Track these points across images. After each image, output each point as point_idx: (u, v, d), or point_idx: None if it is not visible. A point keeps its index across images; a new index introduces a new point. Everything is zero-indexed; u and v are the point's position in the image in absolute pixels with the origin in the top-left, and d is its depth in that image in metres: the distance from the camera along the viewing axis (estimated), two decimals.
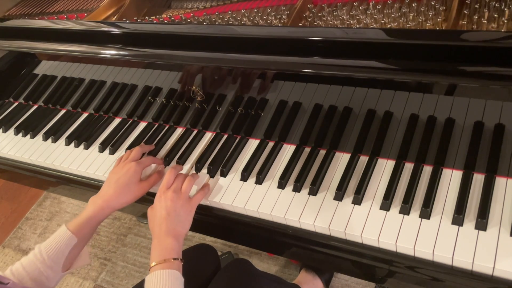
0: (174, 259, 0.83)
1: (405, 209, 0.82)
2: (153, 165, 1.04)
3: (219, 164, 1.02)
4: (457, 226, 0.77)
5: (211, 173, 1.00)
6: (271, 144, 1.03)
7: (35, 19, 1.33)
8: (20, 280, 0.85)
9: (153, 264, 0.83)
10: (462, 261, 0.73)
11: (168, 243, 0.85)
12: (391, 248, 0.79)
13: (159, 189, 0.94)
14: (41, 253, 0.87)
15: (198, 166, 1.02)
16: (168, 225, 0.87)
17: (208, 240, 1.72)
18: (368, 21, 0.94)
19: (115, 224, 1.93)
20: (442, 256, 0.75)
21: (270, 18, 1.04)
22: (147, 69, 1.12)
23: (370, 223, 0.82)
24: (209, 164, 1.02)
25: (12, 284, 0.78)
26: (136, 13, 1.25)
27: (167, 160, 1.06)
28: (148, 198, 1.04)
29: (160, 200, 0.91)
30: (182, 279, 0.82)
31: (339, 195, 0.87)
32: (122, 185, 0.95)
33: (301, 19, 1.01)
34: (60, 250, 0.88)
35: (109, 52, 1.08)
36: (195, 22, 1.12)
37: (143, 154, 1.06)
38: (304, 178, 0.92)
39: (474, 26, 0.85)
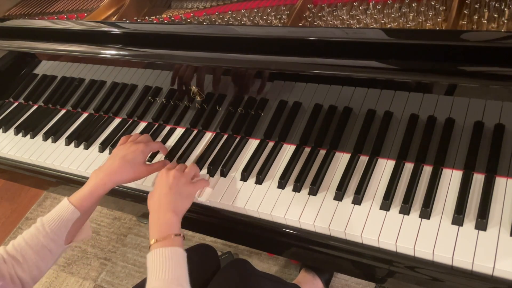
0: (176, 235, 0.81)
1: (405, 209, 0.82)
2: None
3: (219, 164, 1.02)
4: (457, 226, 0.77)
5: (211, 173, 1.00)
6: (271, 144, 1.03)
7: (35, 19, 1.33)
8: (23, 255, 0.84)
9: (152, 241, 0.80)
10: (462, 261, 0.73)
11: (168, 217, 0.83)
12: (391, 248, 0.79)
13: (161, 171, 0.93)
14: (44, 227, 0.87)
15: (198, 166, 1.02)
16: (169, 199, 0.85)
17: (208, 240, 1.72)
18: (368, 21, 0.94)
19: (115, 224, 1.93)
20: (442, 256, 0.75)
21: (270, 18, 1.04)
22: (147, 69, 1.11)
23: (370, 223, 0.82)
24: (209, 164, 1.02)
25: (4, 285, 0.78)
26: (136, 13, 1.25)
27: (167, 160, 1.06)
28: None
29: (162, 178, 0.90)
30: (185, 255, 0.80)
31: (339, 195, 0.87)
32: (128, 162, 0.95)
33: (301, 19, 1.01)
34: (63, 223, 0.87)
35: (109, 52, 1.08)
36: (195, 22, 1.12)
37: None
38: (304, 178, 0.92)
39: (474, 26, 0.85)
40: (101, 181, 0.92)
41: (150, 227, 0.84)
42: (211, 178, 1.00)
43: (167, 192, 0.87)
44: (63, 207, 0.89)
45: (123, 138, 1.05)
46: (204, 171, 1.02)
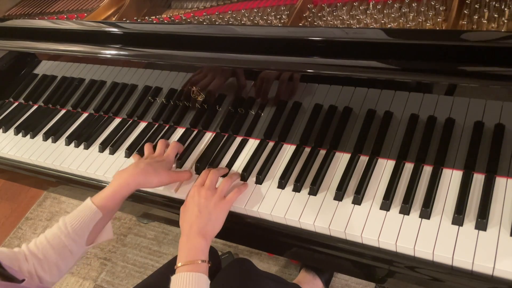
0: (202, 261, 0.81)
1: (405, 209, 0.82)
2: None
3: (219, 164, 1.01)
4: (457, 226, 0.77)
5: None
6: (271, 144, 1.03)
7: (35, 19, 1.33)
8: (44, 254, 0.84)
9: (179, 264, 0.81)
10: (462, 261, 0.73)
11: (197, 242, 0.83)
12: (391, 248, 0.79)
13: (193, 186, 0.93)
14: (66, 226, 0.86)
15: (198, 166, 1.02)
16: (199, 224, 0.85)
17: None
18: (368, 21, 0.94)
19: (115, 224, 1.93)
20: (442, 256, 0.75)
21: (270, 18, 1.04)
22: (147, 69, 1.11)
23: (370, 223, 0.82)
24: (209, 164, 1.02)
25: (27, 282, 0.78)
26: (136, 13, 1.25)
27: None
28: (153, 199, 1.04)
29: (193, 197, 0.90)
30: (208, 282, 0.80)
31: (339, 195, 0.87)
32: (152, 166, 0.95)
33: (301, 19, 1.01)
34: (85, 224, 0.87)
35: (109, 52, 1.08)
36: (195, 22, 1.12)
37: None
38: (304, 178, 0.92)
39: (474, 26, 0.85)
40: (125, 181, 0.92)
41: (179, 248, 0.84)
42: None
43: (197, 215, 0.86)
44: (86, 208, 0.88)
45: (147, 145, 1.07)
46: None
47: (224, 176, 0.98)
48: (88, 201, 0.89)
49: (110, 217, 0.94)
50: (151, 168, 0.95)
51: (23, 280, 0.74)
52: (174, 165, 1.05)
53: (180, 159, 1.05)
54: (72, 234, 0.86)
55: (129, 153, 1.11)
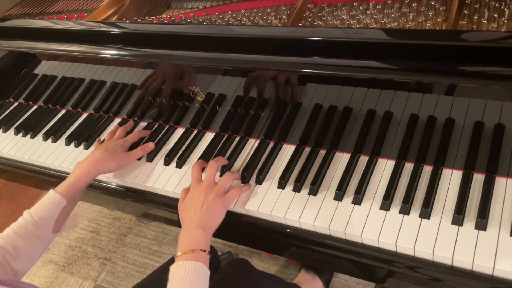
0: (202, 250, 0.82)
1: (405, 209, 0.82)
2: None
3: None
4: (457, 226, 0.77)
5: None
6: (271, 144, 1.03)
7: (35, 19, 1.33)
8: (13, 244, 0.85)
9: (179, 253, 0.81)
10: (462, 261, 0.73)
11: (197, 233, 0.84)
12: (391, 248, 0.79)
13: (191, 184, 0.95)
14: (31, 216, 0.89)
15: None
16: (199, 217, 0.86)
17: None
18: (368, 21, 0.94)
19: (115, 224, 1.93)
20: (442, 256, 0.75)
21: (270, 18, 1.04)
22: (147, 69, 1.11)
23: (370, 223, 0.82)
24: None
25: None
26: (136, 13, 1.25)
27: (167, 160, 1.06)
28: (150, 198, 1.04)
29: (193, 194, 0.91)
30: (207, 272, 0.80)
31: (339, 195, 0.87)
32: (109, 152, 1.02)
33: (301, 19, 1.01)
34: (50, 211, 0.90)
35: (109, 52, 1.08)
36: (195, 22, 1.12)
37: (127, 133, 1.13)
38: (304, 178, 0.92)
39: (474, 26, 0.85)
40: (85, 170, 0.97)
41: (179, 240, 0.85)
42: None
43: (196, 209, 0.88)
44: (50, 196, 0.92)
45: (108, 133, 1.13)
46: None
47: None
48: (51, 191, 0.93)
49: (74, 205, 0.97)
50: (107, 154, 1.01)
51: None
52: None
53: (180, 159, 1.05)
54: (39, 222, 0.88)
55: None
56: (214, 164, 0.96)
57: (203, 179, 0.94)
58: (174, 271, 0.79)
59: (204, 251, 0.82)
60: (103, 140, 1.13)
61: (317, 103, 0.95)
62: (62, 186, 0.95)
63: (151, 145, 1.08)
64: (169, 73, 1.08)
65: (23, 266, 0.86)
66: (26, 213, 0.90)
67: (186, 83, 1.06)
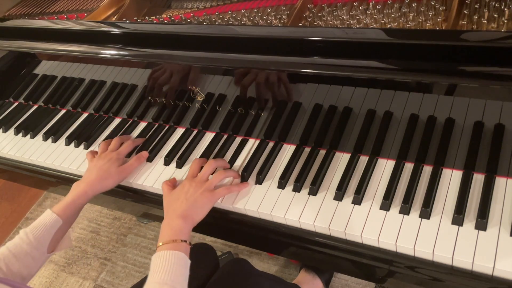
0: (183, 241, 0.83)
1: (405, 209, 0.82)
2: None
3: None
4: (457, 226, 0.77)
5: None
6: (271, 144, 1.03)
7: (35, 19, 1.33)
8: (6, 263, 0.85)
9: (160, 244, 0.82)
10: (462, 261, 0.73)
11: (178, 223, 0.85)
12: (391, 248, 0.79)
13: (185, 178, 0.96)
14: (27, 235, 0.89)
15: None
16: (182, 208, 0.87)
17: (208, 240, 1.72)
18: (368, 21, 0.94)
19: (115, 224, 1.93)
20: (442, 256, 0.75)
21: (270, 18, 1.04)
22: (147, 69, 1.11)
23: (370, 223, 0.82)
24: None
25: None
26: (136, 13, 1.25)
27: (167, 160, 1.06)
28: (150, 198, 1.05)
29: (184, 186, 0.92)
30: (188, 262, 0.81)
31: (339, 195, 0.87)
32: (104, 171, 1.01)
33: (301, 19, 1.01)
34: (46, 231, 0.90)
35: (109, 52, 1.08)
36: (195, 22, 1.12)
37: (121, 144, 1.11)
38: (304, 178, 0.92)
39: (474, 26, 0.85)
40: (82, 191, 0.97)
41: (161, 230, 0.86)
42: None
43: (182, 201, 0.89)
44: (46, 216, 0.92)
45: (88, 154, 1.10)
46: None
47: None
48: (48, 210, 0.93)
49: (70, 225, 0.97)
50: (102, 173, 1.00)
51: None
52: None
53: (180, 159, 1.05)
54: (34, 242, 0.88)
55: (128, 154, 1.11)
56: (213, 164, 0.97)
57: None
58: (155, 260, 0.79)
59: (185, 241, 0.83)
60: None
61: (317, 103, 0.95)
62: (59, 205, 0.95)
63: (145, 154, 1.07)
64: (170, 73, 1.08)
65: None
66: (22, 232, 0.90)
67: (186, 83, 1.06)
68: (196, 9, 1.20)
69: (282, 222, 0.89)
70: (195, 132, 1.12)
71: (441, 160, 0.86)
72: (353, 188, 0.87)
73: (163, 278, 0.75)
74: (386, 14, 0.94)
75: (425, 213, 0.80)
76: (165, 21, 1.17)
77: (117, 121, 1.23)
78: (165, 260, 0.78)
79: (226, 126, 1.08)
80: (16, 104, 1.41)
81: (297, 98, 0.97)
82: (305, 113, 0.97)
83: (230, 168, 1.01)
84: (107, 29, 1.08)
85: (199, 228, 0.90)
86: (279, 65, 0.91)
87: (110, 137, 1.17)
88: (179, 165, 1.05)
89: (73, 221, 0.98)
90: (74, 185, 0.99)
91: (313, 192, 0.90)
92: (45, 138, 1.24)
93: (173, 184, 0.98)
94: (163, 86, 1.11)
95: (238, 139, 1.06)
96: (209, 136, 1.10)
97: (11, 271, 0.85)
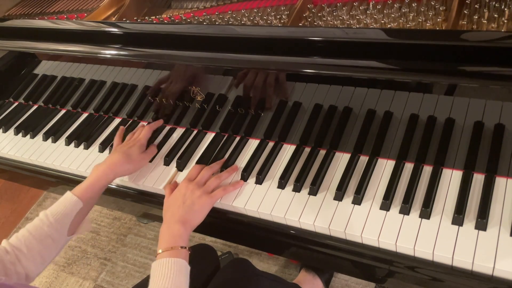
0: (182, 247, 0.83)
1: (405, 209, 0.82)
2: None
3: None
4: (457, 226, 0.77)
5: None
6: (271, 144, 1.03)
7: (35, 19, 1.33)
8: (27, 244, 0.85)
9: (159, 251, 0.82)
10: (462, 261, 0.73)
11: (177, 229, 0.85)
12: (391, 248, 0.79)
13: (182, 180, 0.96)
14: (47, 217, 0.88)
15: None
16: (180, 212, 0.88)
17: (208, 240, 1.72)
18: (368, 21, 0.94)
19: (115, 224, 1.93)
20: (442, 256, 0.75)
21: (270, 18, 1.04)
22: (147, 69, 1.11)
23: (370, 223, 0.82)
24: (209, 164, 1.02)
25: (5, 281, 0.78)
26: (136, 13, 1.25)
27: (167, 160, 1.06)
28: (149, 199, 1.05)
29: (180, 190, 0.92)
30: (188, 269, 0.81)
31: (339, 195, 0.87)
32: (127, 155, 1.01)
33: (301, 19, 1.01)
34: (66, 213, 0.90)
35: (109, 52, 1.08)
36: (195, 22, 1.12)
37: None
38: (304, 178, 0.92)
39: (474, 26, 0.85)
40: (103, 173, 0.97)
41: (160, 236, 0.86)
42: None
43: (179, 205, 0.89)
44: (67, 199, 0.91)
45: (129, 135, 1.11)
46: None
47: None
48: (68, 193, 0.93)
49: (90, 208, 0.97)
50: (125, 157, 1.01)
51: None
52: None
53: (180, 160, 1.05)
54: (54, 224, 0.88)
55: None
56: (209, 169, 0.98)
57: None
58: (156, 268, 0.79)
59: (184, 248, 0.83)
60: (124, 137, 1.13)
61: (317, 103, 0.95)
62: (79, 188, 0.94)
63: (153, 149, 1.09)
64: (170, 73, 1.08)
65: (35, 268, 0.86)
66: (42, 214, 0.89)
67: (186, 83, 1.06)
68: (196, 9, 1.20)
69: (282, 222, 0.89)
70: (195, 132, 1.12)
71: (441, 160, 0.86)
72: (353, 188, 0.87)
73: (165, 286, 0.75)
74: (386, 14, 0.94)
75: (425, 213, 0.80)
76: (165, 21, 1.17)
77: (117, 121, 1.23)
78: (166, 268, 0.78)
79: (226, 126, 1.08)
80: (16, 104, 1.41)
81: (297, 98, 0.97)
82: (305, 113, 0.97)
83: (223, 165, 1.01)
84: (107, 29, 1.08)
85: (199, 228, 0.90)
86: (279, 65, 0.91)
87: (110, 137, 1.17)
88: (179, 165, 1.05)
89: (93, 204, 0.97)
90: (94, 167, 0.99)
91: (313, 192, 0.90)
92: (45, 138, 1.24)
93: (175, 187, 0.97)
94: (163, 86, 1.11)
95: (238, 139, 1.06)
96: (209, 136, 1.10)
97: (31, 253, 0.85)
